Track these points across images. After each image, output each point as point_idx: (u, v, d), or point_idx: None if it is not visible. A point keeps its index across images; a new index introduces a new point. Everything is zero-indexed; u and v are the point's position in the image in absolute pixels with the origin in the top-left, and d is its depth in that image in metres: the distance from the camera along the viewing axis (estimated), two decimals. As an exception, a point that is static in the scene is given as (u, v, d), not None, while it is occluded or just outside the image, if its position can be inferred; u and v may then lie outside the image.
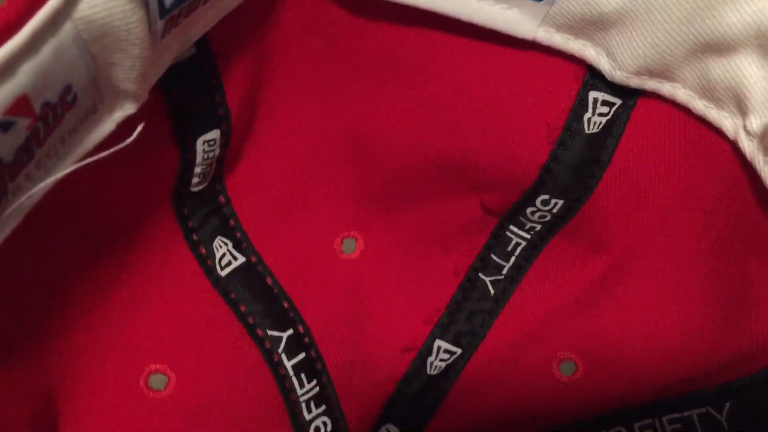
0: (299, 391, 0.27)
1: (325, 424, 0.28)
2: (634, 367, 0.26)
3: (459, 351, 0.29)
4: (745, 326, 0.24)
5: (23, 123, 0.14)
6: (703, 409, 0.26)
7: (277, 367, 0.27)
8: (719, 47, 0.21)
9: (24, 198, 0.16)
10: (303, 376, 0.27)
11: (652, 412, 0.26)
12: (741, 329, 0.24)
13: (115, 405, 0.23)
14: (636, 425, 0.26)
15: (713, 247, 0.24)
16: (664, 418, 0.26)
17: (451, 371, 0.29)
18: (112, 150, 0.17)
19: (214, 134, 0.24)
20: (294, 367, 0.27)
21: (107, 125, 0.18)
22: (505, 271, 0.28)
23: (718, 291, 0.25)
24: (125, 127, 0.18)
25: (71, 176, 0.17)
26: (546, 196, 0.25)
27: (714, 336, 0.25)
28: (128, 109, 0.18)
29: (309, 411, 0.28)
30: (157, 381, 0.25)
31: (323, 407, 0.28)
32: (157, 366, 0.24)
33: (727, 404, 0.25)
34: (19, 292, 0.20)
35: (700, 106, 0.23)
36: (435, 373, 0.29)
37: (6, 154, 0.14)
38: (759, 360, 0.25)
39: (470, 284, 0.29)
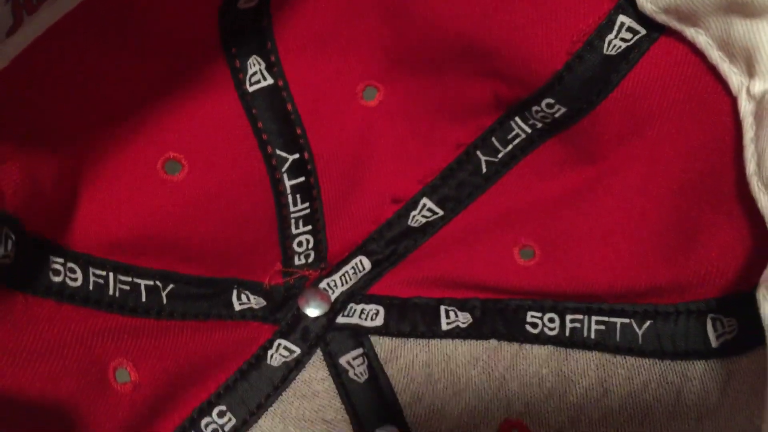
0: (292, 209, 0.31)
1: (308, 241, 0.32)
2: (582, 269, 0.29)
3: (441, 213, 0.32)
4: (683, 263, 0.27)
5: None
6: (627, 321, 0.29)
7: (277, 183, 0.30)
8: (746, 9, 0.22)
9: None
10: (298, 196, 0.31)
11: (585, 311, 0.30)
12: (679, 264, 0.27)
13: (133, 181, 0.27)
14: (568, 317, 0.30)
15: (683, 187, 0.27)
16: (593, 318, 0.30)
17: (429, 228, 0.32)
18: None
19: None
20: (292, 187, 0.30)
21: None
22: (500, 156, 0.31)
23: (672, 226, 0.27)
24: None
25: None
26: (551, 100, 0.27)
27: (656, 263, 0.28)
28: None
29: (297, 227, 0.31)
30: (172, 167, 0.28)
31: (310, 227, 0.32)
32: (175, 154, 0.28)
33: (648, 322, 0.28)
34: (60, 74, 0.23)
35: (715, 56, 0.25)
36: (415, 225, 0.32)
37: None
38: (685, 294, 0.27)
39: (467, 158, 0.31)
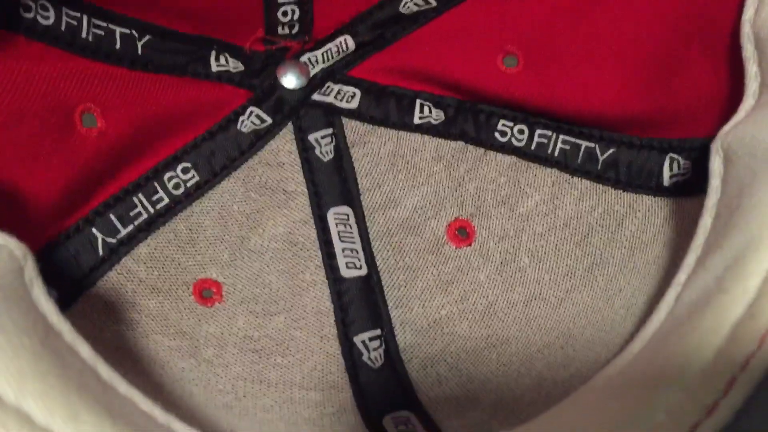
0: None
1: (293, 11, 0.31)
2: (560, 87, 0.29)
3: (434, 4, 0.31)
4: (658, 98, 0.27)
5: None
6: (592, 145, 0.29)
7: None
8: None
9: None
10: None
11: (555, 128, 0.30)
12: (654, 99, 0.27)
13: None
14: (537, 131, 0.30)
15: (678, 21, 0.26)
16: (561, 137, 0.30)
17: (419, 17, 0.31)
18: None
19: None
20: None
21: None
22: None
23: (658, 58, 0.26)
24: None
25: None
26: None
27: (633, 94, 0.27)
28: None
29: None
30: None
31: None
32: None
33: (611, 150, 0.29)
34: None
35: None
36: (405, 12, 0.31)
37: None
38: (652, 129, 0.28)
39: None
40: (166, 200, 0.28)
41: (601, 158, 0.29)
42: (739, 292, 0.19)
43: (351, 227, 0.30)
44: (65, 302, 0.25)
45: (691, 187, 0.26)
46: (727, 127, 0.22)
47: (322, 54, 0.32)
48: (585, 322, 0.26)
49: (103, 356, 0.19)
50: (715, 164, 0.22)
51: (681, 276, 0.21)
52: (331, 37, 0.32)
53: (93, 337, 0.24)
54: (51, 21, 0.25)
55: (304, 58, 0.32)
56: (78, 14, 0.26)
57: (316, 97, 0.32)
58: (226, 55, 0.31)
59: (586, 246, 0.28)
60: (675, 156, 0.27)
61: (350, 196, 0.31)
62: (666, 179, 0.27)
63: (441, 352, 0.28)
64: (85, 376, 0.17)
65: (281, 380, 0.26)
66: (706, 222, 0.21)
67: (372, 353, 0.27)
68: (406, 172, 0.31)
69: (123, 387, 0.18)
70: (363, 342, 0.28)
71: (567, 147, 0.30)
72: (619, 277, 0.27)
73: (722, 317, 0.18)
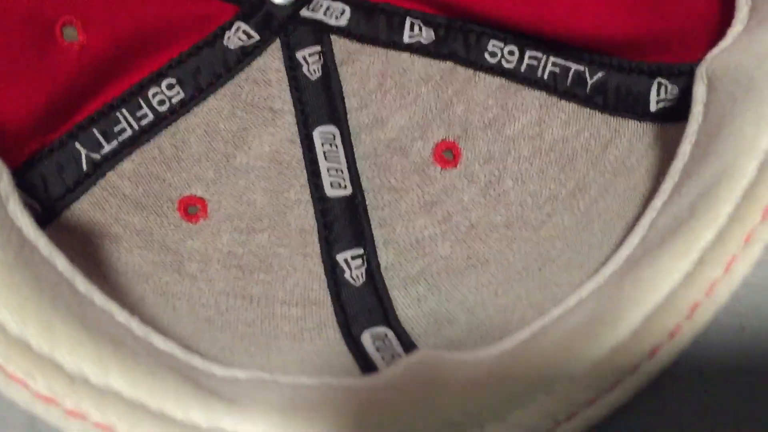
0: None
1: None
2: (550, 6, 0.28)
3: None
4: (649, 20, 0.26)
5: None
6: (582, 68, 0.29)
7: None
8: None
9: None
10: None
11: (545, 48, 0.29)
12: (644, 21, 0.26)
13: None
14: (527, 53, 0.30)
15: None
16: (551, 59, 0.29)
17: None
18: None
19: None
20: None
21: None
22: None
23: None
24: None
25: None
26: None
27: (624, 15, 0.27)
28: None
29: None
30: None
31: None
32: None
33: (600, 73, 0.28)
34: None
35: None
36: None
37: None
38: (641, 53, 0.27)
39: None
40: (151, 116, 0.28)
41: (589, 81, 0.29)
42: (710, 218, 0.19)
43: (337, 147, 0.30)
44: (48, 216, 0.25)
45: (677, 114, 0.26)
46: (713, 53, 0.22)
47: (312, -32, 0.31)
48: (563, 245, 0.26)
49: (86, 270, 0.20)
50: (699, 90, 0.22)
51: (657, 201, 0.21)
52: (321, -49, 0.31)
53: (76, 251, 0.24)
54: (28, -70, 0.25)
55: (293, -28, 0.31)
56: None
57: (305, 13, 0.32)
58: (213, -33, 0.30)
59: (570, 170, 0.28)
60: (663, 81, 0.27)
61: (337, 115, 0.31)
62: (653, 104, 0.27)
63: (422, 271, 0.28)
64: (60, 289, 0.17)
65: (263, 296, 0.27)
66: (685, 149, 0.21)
67: (354, 271, 0.28)
68: (395, 92, 0.31)
69: (99, 299, 0.19)
70: (345, 260, 0.28)
71: (556, 69, 0.29)
72: (600, 202, 0.27)
73: (692, 242, 0.19)
